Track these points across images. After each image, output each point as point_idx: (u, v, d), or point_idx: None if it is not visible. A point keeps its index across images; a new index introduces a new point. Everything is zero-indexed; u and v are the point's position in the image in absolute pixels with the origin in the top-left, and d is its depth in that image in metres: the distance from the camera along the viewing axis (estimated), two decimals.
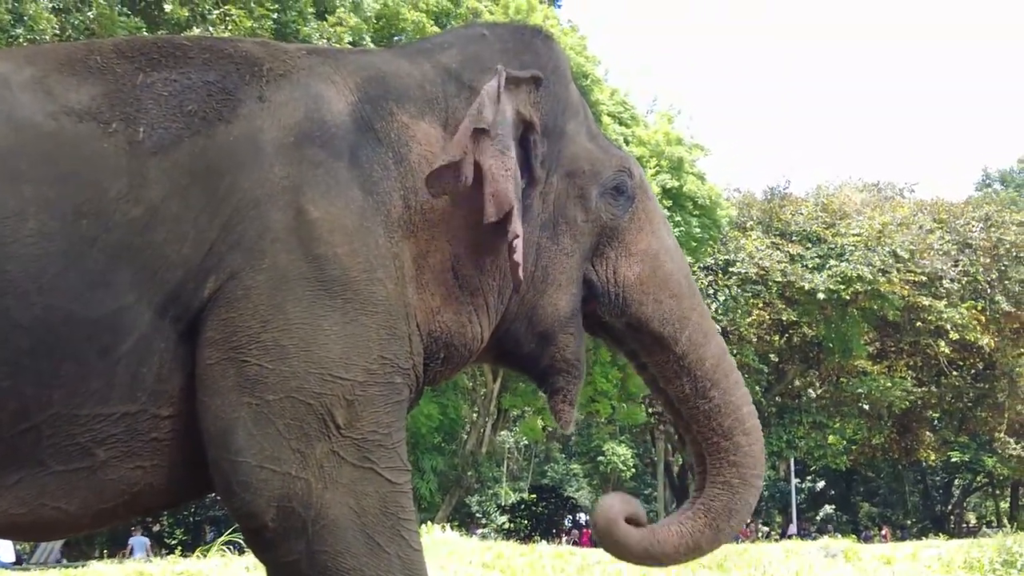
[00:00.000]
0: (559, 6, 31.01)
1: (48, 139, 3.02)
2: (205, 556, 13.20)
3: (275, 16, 17.91)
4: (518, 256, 3.46)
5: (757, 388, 38.72)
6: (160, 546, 30.38)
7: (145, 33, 15.44)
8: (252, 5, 17.34)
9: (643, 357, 4.07)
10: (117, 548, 29.67)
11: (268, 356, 3.03)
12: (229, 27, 16.30)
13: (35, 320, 2.88)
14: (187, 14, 16.71)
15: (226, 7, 16.94)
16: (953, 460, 46.38)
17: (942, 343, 37.05)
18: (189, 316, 3.08)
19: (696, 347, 3.96)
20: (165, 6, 16.55)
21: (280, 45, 3.71)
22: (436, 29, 20.82)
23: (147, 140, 3.10)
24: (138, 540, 27.72)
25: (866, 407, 40.15)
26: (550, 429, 36.43)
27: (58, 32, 14.91)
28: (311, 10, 19.52)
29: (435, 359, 3.52)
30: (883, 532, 44.59)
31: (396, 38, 21.50)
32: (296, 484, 3.03)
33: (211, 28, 16.46)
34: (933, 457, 45.34)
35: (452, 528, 21.31)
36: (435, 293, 3.44)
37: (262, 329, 3.04)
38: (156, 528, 34.58)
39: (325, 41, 18.12)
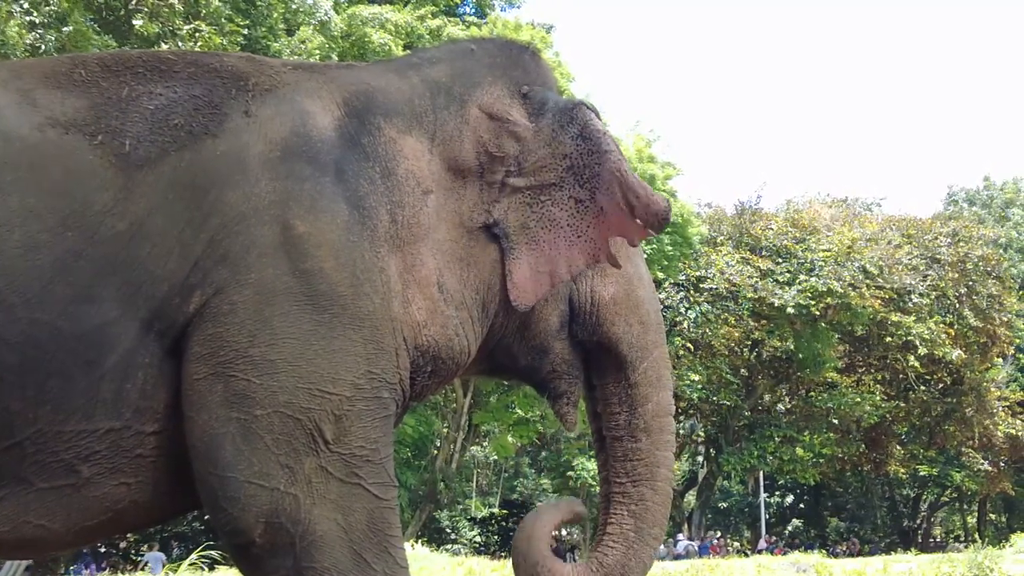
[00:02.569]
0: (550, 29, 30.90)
1: (34, 150, 3.00)
2: (175, 572, 13.13)
3: (245, 32, 17.85)
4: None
5: (735, 398, 38.85)
6: (127, 562, 30.04)
7: (115, 50, 15.38)
8: (222, 21, 17.28)
9: (595, 379, 4.10)
10: (82, 565, 29.35)
11: (256, 371, 3.01)
12: (199, 43, 16.21)
13: (21, 335, 2.85)
14: (157, 30, 16.62)
15: (196, 23, 16.86)
16: (921, 474, 46.58)
17: (911, 357, 37.17)
18: (174, 331, 3.05)
19: (648, 383, 4.02)
20: (135, 22, 16.47)
21: (266, 60, 3.70)
22: (405, 52, 20.74)
23: (133, 153, 3.09)
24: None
25: (835, 421, 40.26)
26: (520, 444, 36.38)
27: (29, 48, 14.83)
28: (282, 26, 19.47)
29: (422, 373, 3.50)
30: (856, 547, 44.56)
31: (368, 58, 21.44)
32: (285, 500, 3.02)
33: (180, 44, 16.38)
34: (903, 471, 45.50)
35: (422, 544, 21.26)
36: (421, 307, 3.43)
37: (249, 344, 3.02)
38: (123, 544, 34.28)
39: (297, 57, 18.09)
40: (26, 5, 15.24)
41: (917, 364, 37.57)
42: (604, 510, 4.05)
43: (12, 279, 2.85)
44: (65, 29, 15.13)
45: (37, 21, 15.15)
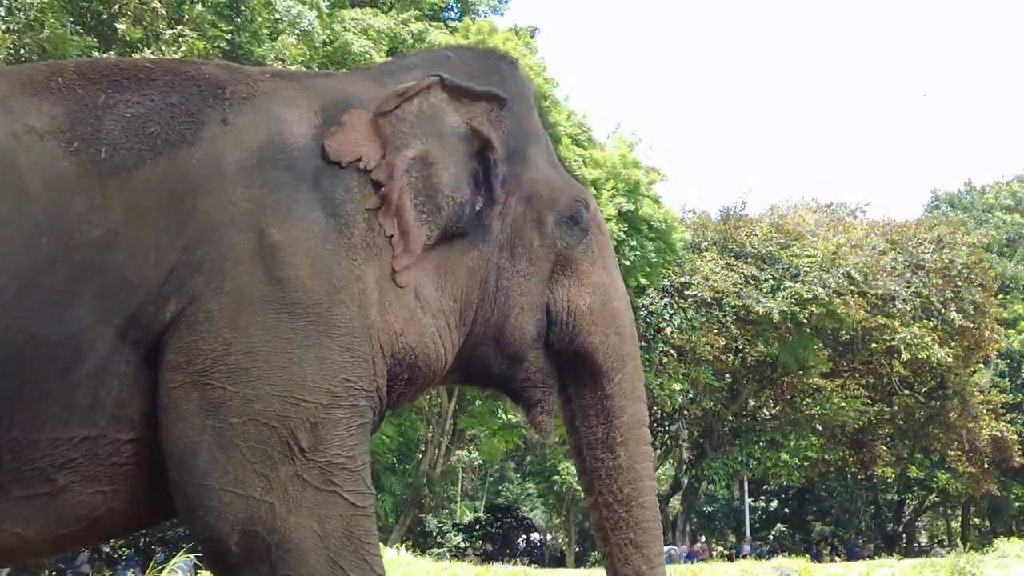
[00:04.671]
0: (534, 35, 30.75)
1: (9, 157, 2.99)
2: None
3: (228, 37, 17.82)
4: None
5: (719, 404, 38.90)
6: (109, 566, 29.91)
7: (97, 53, 15.34)
8: (205, 26, 17.25)
9: (571, 389, 4.09)
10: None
11: (231, 379, 3.01)
12: (182, 48, 16.17)
13: None
14: (140, 34, 16.58)
15: (180, 27, 16.83)
16: (908, 475, 46.72)
17: (896, 362, 37.21)
18: (150, 339, 3.04)
19: (623, 395, 4.01)
20: (118, 25, 16.42)
21: (244, 68, 3.70)
22: (387, 58, 20.65)
23: (109, 160, 3.08)
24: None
25: (819, 426, 40.33)
26: (505, 450, 36.38)
27: (12, 51, 14.79)
28: (265, 31, 19.43)
29: (399, 381, 3.50)
30: (870, 551, 44.37)
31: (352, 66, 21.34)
32: (260, 508, 3.01)
33: (164, 48, 16.34)
34: (889, 471, 45.60)
35: (407, 548, 21.25)
36: (398, 315, 3.42)
37: (225, 352, 3.02)
38: (107, 549, 34.15)
39: (281, 63, 18.06)
40: (2, 11, 15.20)
41: (902, 368, 37.62)
42: (603, 541, 4.05)
43: None
44: (43, 33, 15.06)
45: (13, 27, 15.10)
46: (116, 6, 16.80)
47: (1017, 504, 49.46)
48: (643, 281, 30.59)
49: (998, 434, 41.62)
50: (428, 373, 3.60)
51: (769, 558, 27.05)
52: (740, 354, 39.46)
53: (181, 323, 3.03)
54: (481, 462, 43.08)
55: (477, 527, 47.34)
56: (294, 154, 3.32)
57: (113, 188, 3.05)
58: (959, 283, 38.08)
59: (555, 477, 41.66)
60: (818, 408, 39.52)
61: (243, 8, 18.66)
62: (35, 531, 3.05)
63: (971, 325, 38.22)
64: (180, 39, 16.46)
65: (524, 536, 50.31)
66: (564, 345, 3.95)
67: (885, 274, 36.75)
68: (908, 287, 36.87)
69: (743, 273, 35.57)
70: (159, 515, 3.40)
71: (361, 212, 3.38)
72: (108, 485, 3.09)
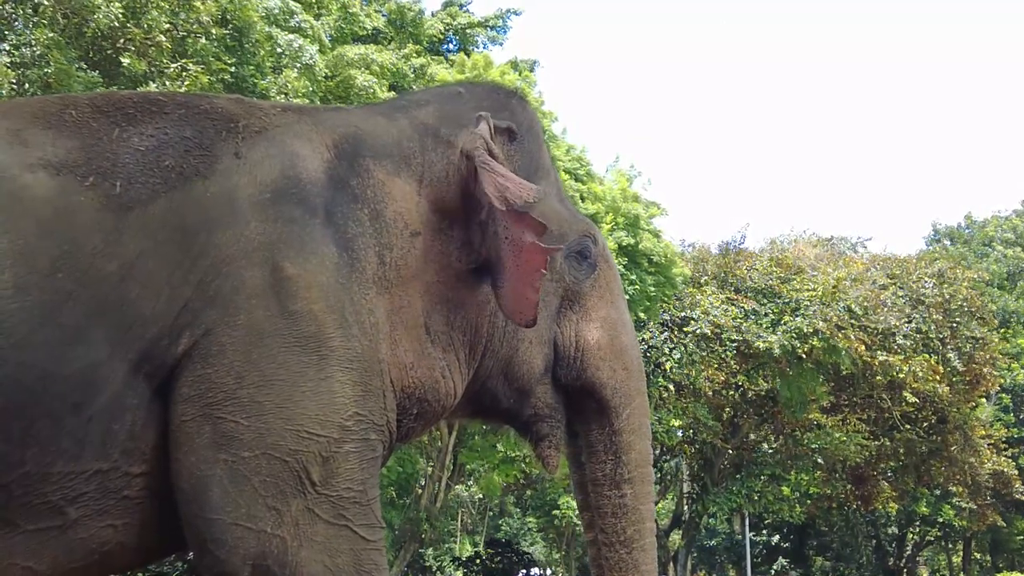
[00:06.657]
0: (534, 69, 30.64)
1: (25, 191, 2.98)
2: None
3: (232, 70, 17.85)
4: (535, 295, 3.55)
5: (719, 438, 38.73)
6: None
7: (101, 87, 15.36)
8: (209, 60, 17.29)
9: (578, 425, 4.10)
10: None
11: (244, 413, 3.00)
12: (186, 82, 16.19)
13: (8, 377, 2.82)
14: (145, 68, 16.60)
15: (184, 61, 16.86)
16: (910, 510, 46.54)
17: (907, 393, 36.98)
18: (163, 373, 3.04)
19: (631, 431, 4.02)
20: (123, 60, 16.45)
21: (256, 102, 3.71)
22: (389, 93, 20.66)
23: (124, 194, 3.07)
24: None
25: (820, 461, 40.14)
26: (505, 484, 36.25)
27: (15, 85, 14.82)
28: (268, 64, 19.45)
29: (408, 415, 3.50)
30: None
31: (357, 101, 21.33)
32: (272, 542, 3.00)
33: (168, 82, 16.36)
34: (893, 505, 45.40)
35: None
36: (408, 349, 3.43)
37: (238, 386, 3.01)
38: None
39: (284, 96, 18.09)
40: (7, 47, 15.25)
41: (914, 398, 37.34)
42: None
43: (1, 321, 2.82)
44: (47, 68, 15.10)
45: (18, 60, 15.15)
46: (120, 41, 16.82)
47: (1019, 538, 49.25)
48: (642, 315, 30.50)
49: (1000, 469, 41.52)
50: (437, 407, 3.61)
51: None
52: (740, 388, 39.30)
53: (194, 356, 3.03)
54: (481, 496, 42.84)
55: (477, 562, 47.15)
56: (307, 188, 3.33)
57: (128, 222, 3.05)
58: (958, 318, 37.95)
59: (555, 511, 41.51)
60: (819, 443, 39.33)
61: (246, 42, 18.70)
62: (46, 565, 3.02)
63: (971, 364, 38.08)
64: (184, 73, 16.48)
65: (524, 571, 49.97)
66: (572, 380, 3.96)
67: (886, 309, 36.59)
68: (908, 322, 36.71)
69: (743, 307, 35.42)
70: (169, 548, 3.39)
71: (373, 246, 3.39)
72: (119, 519, 3.07)
